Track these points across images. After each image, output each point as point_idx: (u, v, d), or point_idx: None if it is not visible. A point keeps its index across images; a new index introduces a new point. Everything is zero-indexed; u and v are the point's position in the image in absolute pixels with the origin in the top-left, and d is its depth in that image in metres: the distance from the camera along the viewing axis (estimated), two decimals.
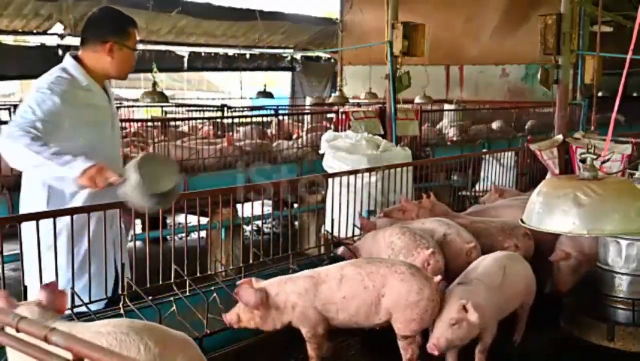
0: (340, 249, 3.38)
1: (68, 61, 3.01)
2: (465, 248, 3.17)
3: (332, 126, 7.83)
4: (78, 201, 2.91)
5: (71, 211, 2.74)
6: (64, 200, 2.93)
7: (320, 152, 5.21)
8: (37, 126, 2.67)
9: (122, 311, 2.61)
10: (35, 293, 2.14)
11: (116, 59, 3.03)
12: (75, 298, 2.60)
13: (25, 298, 2.64)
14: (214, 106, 10.37)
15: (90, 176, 2.55)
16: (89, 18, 3.15)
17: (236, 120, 8.19)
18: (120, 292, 2.81)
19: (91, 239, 2.79)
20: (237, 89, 15.90)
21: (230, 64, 15.64)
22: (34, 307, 1.92)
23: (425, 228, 3.31)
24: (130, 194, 2.52)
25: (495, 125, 9.96)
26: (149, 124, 7.95)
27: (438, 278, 2.56)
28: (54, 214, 2.69)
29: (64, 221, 2.72)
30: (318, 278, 2.59)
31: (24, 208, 3.00)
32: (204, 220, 4.37)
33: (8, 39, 12.80)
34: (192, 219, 4.53)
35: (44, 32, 12.36)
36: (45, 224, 2.61)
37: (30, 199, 2.98)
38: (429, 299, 2.49)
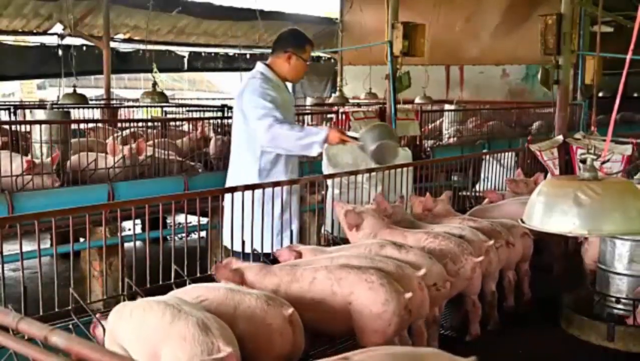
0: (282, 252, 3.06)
1: (261, 66, 4.05)
2: (484, 246, 3.15)
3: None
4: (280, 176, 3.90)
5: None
6: (270, 175, 3.90)
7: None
8: (276, 114, 3.77)
9: None
10: None
11: (292, 66, 4.04)
12: (73, 298, 2.61)
13: (25, 298, 2.64)
14: (214, 106, 10.34)
15: (334, 135, 3.71)
16: (279, 34, 4.21)
17: None
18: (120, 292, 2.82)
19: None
20: (237, 89, 15.89)
21: (231, 64, 15.63)
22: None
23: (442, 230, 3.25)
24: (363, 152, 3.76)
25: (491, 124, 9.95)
26: (149, 124, 7.94)
27: (409, 294, 2.45)
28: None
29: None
30: (293, 276, 2.57)
31: (235, 181, 3.83)
32: (204, 220, 4.37)
33: (8, 39, 12.79)
34: (192, 219, 4.54)
35: (44, 32, 12.35)
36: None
37: (243, 174, 3.90)
38: (394, 313, 2.39)
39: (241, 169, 4.02)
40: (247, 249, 3.31)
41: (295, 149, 3.83)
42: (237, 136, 4.09)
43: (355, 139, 3.79)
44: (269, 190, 3.49)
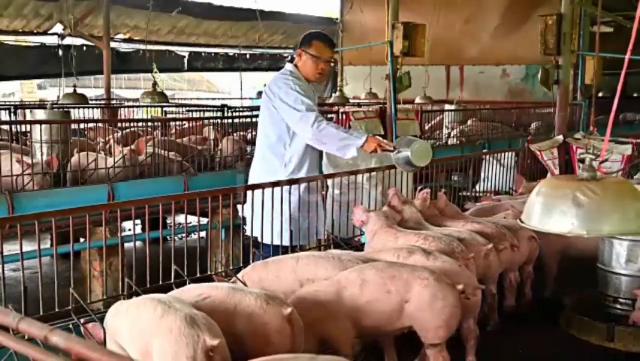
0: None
1: (290, 66, 4.11)
2: (483, 250, 3.16)
3: None
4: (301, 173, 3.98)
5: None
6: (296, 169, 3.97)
7: None
8: (317, 109, 3.88)
9: None
10: None
11: (303, 63, 4.07)
12: (73, 298, 2.61)
13: (25, 298, 2.65)
14: (214, 106, 10.35)
15: (372, 142, 3.73)
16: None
17: (236, 120, 8.18)
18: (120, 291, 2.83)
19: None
20: (237, 89, 15.88)
21: (230, 64, 15.61)
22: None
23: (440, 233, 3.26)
24: (398, 161, 3.86)
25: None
26: (149, 124, 7.95)
27: (460, 286, 2.54)
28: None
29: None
30: (338, 284, 2.58)
31: (261, 175, 3.94)
32: (204, 220, 4.37)
33: (8, 39, 12.78)
34: (192, 219, 4.54)
35: (44, 32, 12.34)
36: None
37: (269, 168, 3.96)
38: (454, 305, 2.48)
39: (269, 163, 4.05)
40: (267, 241, 3.65)
41: (333, 148, 3.87)
42: (266, 130, 4.09)
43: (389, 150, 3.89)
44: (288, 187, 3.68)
